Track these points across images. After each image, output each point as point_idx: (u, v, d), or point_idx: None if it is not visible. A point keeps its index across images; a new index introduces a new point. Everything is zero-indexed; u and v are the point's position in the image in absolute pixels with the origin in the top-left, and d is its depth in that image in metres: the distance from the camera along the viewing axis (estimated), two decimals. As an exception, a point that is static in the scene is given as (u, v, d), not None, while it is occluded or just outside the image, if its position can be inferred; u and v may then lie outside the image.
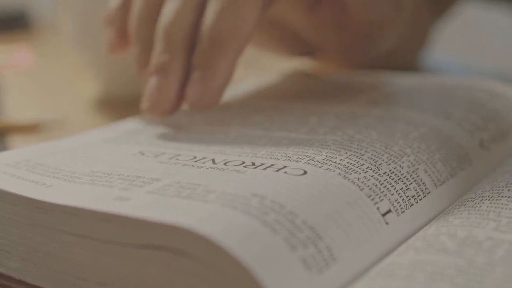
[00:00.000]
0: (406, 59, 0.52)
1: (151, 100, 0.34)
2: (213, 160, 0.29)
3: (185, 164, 0.28)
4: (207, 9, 0.33)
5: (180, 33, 0.34)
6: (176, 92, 0.34)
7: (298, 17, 0.39)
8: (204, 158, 0.29)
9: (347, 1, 0.37)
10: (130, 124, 0.37)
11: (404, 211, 0.27)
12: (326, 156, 0.28)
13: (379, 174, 0.27)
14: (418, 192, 0.28)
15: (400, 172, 0.28)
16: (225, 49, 0.33)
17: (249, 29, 0.33)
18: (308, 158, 0.28)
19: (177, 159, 0.29)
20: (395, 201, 0.27)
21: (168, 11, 0.34)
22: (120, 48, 0.39)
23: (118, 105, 0.55)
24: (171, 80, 0.34)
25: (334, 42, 0.40)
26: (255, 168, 0.27)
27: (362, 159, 0.28)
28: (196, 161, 0.29)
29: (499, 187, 0.28)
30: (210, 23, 0.33)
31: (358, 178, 0.27)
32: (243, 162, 0.28)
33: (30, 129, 0.48)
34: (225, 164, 0.28)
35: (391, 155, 0.29)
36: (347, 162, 0.28)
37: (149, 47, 0.36)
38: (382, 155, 0.29)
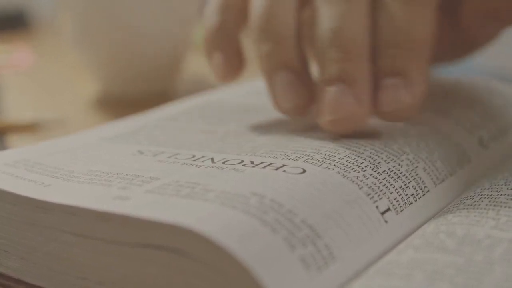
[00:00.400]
0: None
1: (338, 113, 0.30)
2: (212, 159, 0.29)
3: (184, 163, 0.28)
4: (385, 14, 0.31)
5: (359, 38, 0.31)
6: (370, 100, 0.30)
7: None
8: (203, 157, 0.29)
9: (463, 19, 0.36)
10: (129, 123, 0.37)
11: (403, 210, 0.27)
12: (325, 154, 0.28)
13: (378, 173, 0.27)
14: (417, 190, 0.28)
15: (399, 170, 0.28)
16: (420, 53, 0.31)
17: (433, 36, 0.32)
18: (307, 157, 0.28)
19: (176, 158, 0.29)
20: (394, 199, 0.27)
21: (336, 16, 0.31)
22: (235, 72, 0.36)
23: (117, 104, 0.55)
24: (362, 89, 0.30)
25: (448, 54, 0.40)
26: (254, 167, 0.27)
27: (361, 158, 0.28)
28: (195, 160, 0.29)
29: (498, 185, 0.28)
30: (400, 29, 0.31)
31: (357, 177, 0.27)
32: (242, 161, 0.28)
33: (29, 128, 0.48)
34: (224, 163, 0.28)
35: (390, 154, 0.29)
36: (346, 161, 0.28)
37: (285, 48, 0.33)
38: (381, 154, 0.29)
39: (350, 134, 0.30)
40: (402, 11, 0.31)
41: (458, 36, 0.38)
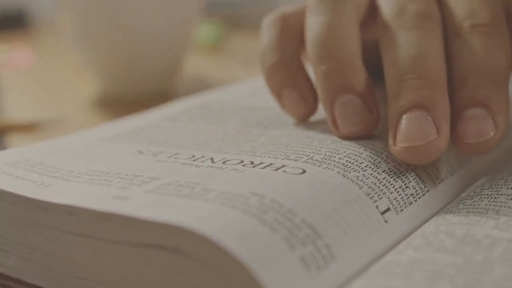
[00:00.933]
0: None
1: (417, 140, 0.28)
2: (212, 159, 0.29)
3: (184, 163, 0.28)
4: (464, 46, 0.31)
5: (438, 66, 0.30)
6: (448, 131, 0.29)
7: None
8: (203, 157, 0.29)
9: None
10: (129, 123, 0.37)
11: (403, 210, 0.27)
12: (325, 155, 0.28)
13: (378, 173, 0.27)
14: (417, 190, 0.28)
15: (399, 170, 0.28)
16: (502, 83, 0.30)
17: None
18: (307, 157, 0.28)
19: (176, 158, 0.29)
20: (394, 199, 0.27)
21: (416, 44, 0.30)
22: (311, 106, 0.34)
23: (117, 104, 0.55)
24: (443, 118, 0.28)
25: None
26: (254, 167, 0.27)
27: (361, 158, 0.28)
28: (194, 160, 0.29)
29: (498, 185, 0.28)
30: (482, 60, 0.30)
31: (357, 177, 0.27)
32: (242, 161, 0.28)
33: (29, 128, 0.48)
34: (223, 163, 0.28)
35: (390, 153, 0.29)
36: (346, 161, 0.28)
37: (349, 68, 0.31)
38: (381, 154, 0.29)
39: (425, 164, 0.29)
40: (482, 42, 0.30)
41: None
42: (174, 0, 0.54)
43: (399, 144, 0.28)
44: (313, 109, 0.34)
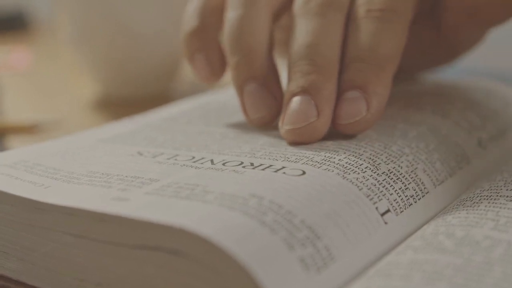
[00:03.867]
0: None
1: (298, 122, 0.30)
2: (212, 161, 0.29)
3: (184, 165, 0.28)
4: (355, 31, 0.32)
5: (330, 53, 0.31)
6: (331, 113, 0.31)
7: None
8: (202, 158, 0.29)
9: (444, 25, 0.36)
10: (127, 125, 0.37)
11: (403, 211, 0.27)
12: (325, 156, 0.28)
13: (377, 174, 0.27)
14: (417, 191, 0.28)
15: (399, 172, 0.28)
16: (383, 68, 0.31)
17: (402, 50, 0.32)
18: (307, 159, 0.28)
19: (176, 159, 0.29)
20: (394, 200, 0.27)
21: (313, 30, 0.32)
22: (218, 73, 0.37)
23: (116, 106, 0.55)
24: (325, 102, 0.30)
25: (424, 62, 0.40)
26: (253, 168, 0.27)
27: (360, 159, 0.28)
28: (194, 162, 0.29)
29: (497, 186, 0.28)
30: (367, 45, 0.31)
31: (357, 178, 0.27)
32: (242, 163, 0.28)
33: (28, 129, 0.48)
34: (223, 164, 0.28)
35: (389, 155, 0.29)
36: (346, 162, 0.28)
37: (254, 59, 0.33)
38: (381, 155, 0.29)
39: (306, 144, 0.30)
40: (371, 27, 0.31)
41: (442, 42, 0.38)
42: (172, 2, 0.54)
43: (284, 126, 0.31)
44: (219, 74, 0.37)
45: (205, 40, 0.36)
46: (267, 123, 0.33)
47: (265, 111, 0.33)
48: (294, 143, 0.30)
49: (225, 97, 0.42)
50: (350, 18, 0.33)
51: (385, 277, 0.22)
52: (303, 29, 0.32)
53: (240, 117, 0.36)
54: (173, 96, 0.57)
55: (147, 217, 0.23)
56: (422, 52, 0.39)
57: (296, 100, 0.31)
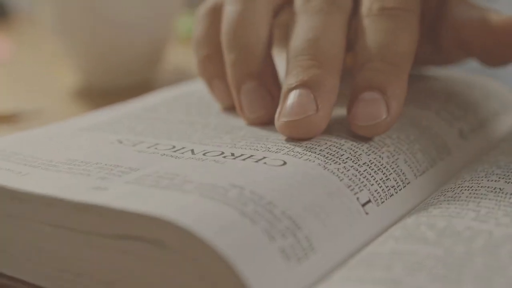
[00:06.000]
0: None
1: (295, 115, 0.29)
2: (192, 151, 0.29)
3: (164, 154, 0.28)
4: (369, 29, 0.31)
5: (332, 49, 0.31)
6: (331, 110, 0.30)
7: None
8: (183, 148, 0.29)
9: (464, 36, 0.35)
10: (107, 113, 0.36)
11: (384, 201, 0.27)
12: (306, 147, 0.28)
13: (358, 165, 0.27)
14: (398, 182, 0.28)
15: (380, 162, 0.28)
16: (402, 68, 0.30)
17: (416, 49, 0.31)
18: (288, 149, 0.28)
19: (156, 148, 0.29)
20: (375, 191, 0.27)
21: (315, 26, 0.31)
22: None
23: (97, 95, 0.55)
24: (324, 97, 0.29)
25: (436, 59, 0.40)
26: (234, 159, 0.27)
27: (341, 150, 0.28)
28: (175, 151, 0.29)
29: (478, 177, 0.28)
30: (384, 43, 0.30)
31: (338, 169, 0.27)
32: (222, 153, 0.28)
33: (8, 119, 0.47)
34: (204, 154, 0.28)
35: (371, 146, 0.29)
36: (327, 153, 0.28)
37: (252, 57, 0.33)
38: (362, 146, 0.29)
39: (303, 139, 0.29)
40: (387, 25, 0.31)
41: (438, 54, 0.38)
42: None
43: (281, 118, 0.29)
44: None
45: (220, 64, 0.35)
46: (264, 123, 0.32)
47: (262, 110, 0.32)
48: (291, 138, 0.29)
49: (205, 87, 0.42)
50: (359, 16, 0.32)
51: (366, 267, 0.22)
52: (304, 25, 0.32)
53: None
54: (155, 85, 0.57)
55: (127, 207, 0.22)
56: (423, 56, 0.38)
57: (294, 93, 0.30)
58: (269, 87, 0.32)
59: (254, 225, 0.22)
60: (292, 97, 0.30)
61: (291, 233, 0.23)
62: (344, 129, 0.30)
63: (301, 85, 0.30)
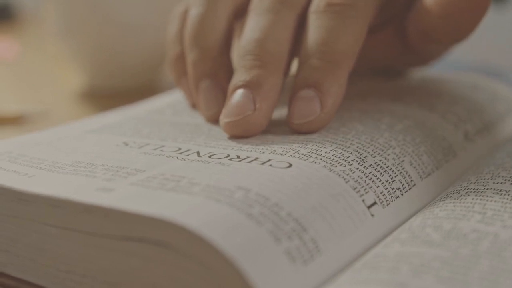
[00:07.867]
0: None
1: (234, 115, 0.30)
2: (198, 153, 0.29)
3: (170, 156, 0.28)
4: (312, 26, 0.31)
5: (277, 48, 0.31)
6: (273, 109, 0.31)
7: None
8: (189, 150, 0.29)
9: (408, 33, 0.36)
10: (114, 116, 0.37)
11: (389, 204, 0.27)
12: (311, 149, 0.28)
13: (364, 167, 0.27)
14: (403, 184, 0.28)
15: (385, 164, 0.28)
16: (340, 67, 0.31)
17: (359, 48, 0.32)
18: (293, 151, 0.28)
19: (162, 150, 0.29)
20: (381, 193, 0.27)
21: (261, 26, 0.32)
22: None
23: (102, 97, 0.55)
24: (264, 97, 0.30)
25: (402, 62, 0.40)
26: (240, 161, 0.27)
27: (347, 152, 0.28)
28: (180, 153, 0.29)
29: (484, 179, 0.28)
30: (323, 40, 0.31)
31: (344, 171, 0.27)
32: (228, 155, 0.28)
33: (13, 121, 0.48)
34: (210, 156, 0.28)
35: (376, 148, 0.29)
36: (333, 155, 0.28)
37: (209, 57, 0.34)
38: (368, 148, 0.29)
39: (244, 137, 0.30)
40: (329, 22, 0.31)
41: (410, 50, 0.38)
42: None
43: (222, 119, 0.31)
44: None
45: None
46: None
47: (216, 108, 0.33)
48: (233, 137, 0.31)
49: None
50: (307, 14, 0.32)
51: (372, 270, 0.22)
52: (253, 25, 0.33)
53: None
54: (160, 88, 0.57)
55: (133, 208, 0.22)
56: (394, 57, 0.39)
57: (236, 93, 0.31)
58: (224, 85, 0.34)
59: (260, 227, 0.22)
60: (234, 97, 0.31)
61: (297, 235, 0.23)
62: (349, 131, 0.30)
63: (243, 85, 0.31)
